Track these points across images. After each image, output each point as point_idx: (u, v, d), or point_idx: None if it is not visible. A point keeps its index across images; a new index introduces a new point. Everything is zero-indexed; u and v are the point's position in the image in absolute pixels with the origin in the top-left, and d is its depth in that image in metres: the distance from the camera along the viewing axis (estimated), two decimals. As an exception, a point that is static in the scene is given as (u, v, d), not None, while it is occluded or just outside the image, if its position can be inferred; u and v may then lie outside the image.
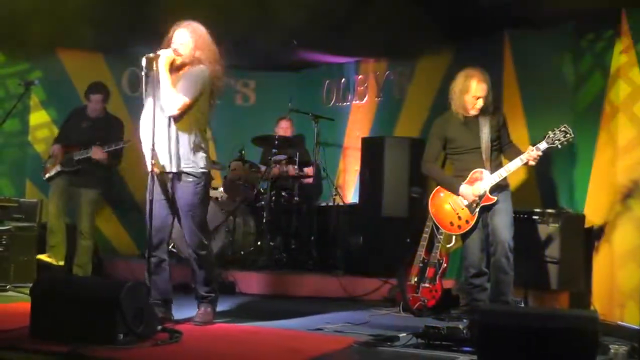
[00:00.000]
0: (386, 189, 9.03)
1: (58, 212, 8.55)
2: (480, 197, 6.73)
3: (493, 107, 6.91)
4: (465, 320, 6.72)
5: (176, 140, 6.17)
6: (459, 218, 6.83)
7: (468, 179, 6.80)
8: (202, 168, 6.25)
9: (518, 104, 8.53)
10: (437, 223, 7.04)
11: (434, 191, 7.07)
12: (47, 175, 8.61)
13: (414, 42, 9.46)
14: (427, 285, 7.61)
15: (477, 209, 6.77)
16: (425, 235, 7.65)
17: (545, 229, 7.45)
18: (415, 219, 8.47)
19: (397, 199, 8.99)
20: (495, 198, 6.72)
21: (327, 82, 11.41)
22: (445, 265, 7.68)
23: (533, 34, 8.47)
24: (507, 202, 6.83)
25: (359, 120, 10.89)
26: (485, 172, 6.75)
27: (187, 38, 6.23)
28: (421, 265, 7.67)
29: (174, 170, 6.19)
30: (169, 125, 6.17)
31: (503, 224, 6.73)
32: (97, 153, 8.37)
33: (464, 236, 6.90)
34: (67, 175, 8.53)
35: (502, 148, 6.95)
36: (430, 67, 9.91)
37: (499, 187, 6.78)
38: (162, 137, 6.15)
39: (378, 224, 9.03)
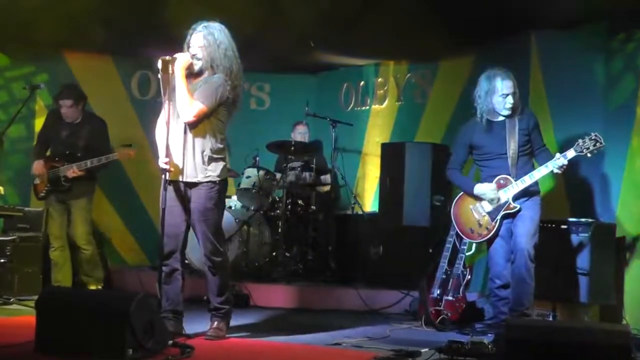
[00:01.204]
0: (407, 197, 9.03)
1: (61, 231, 8.54)
2: (502, 204, 6.73)
3: (521, 107, 6.90)
4: (490, 335, 6.69)
5: (192, 148, 6.16)
6: (480, 225, 6.84)
7: (492, 184, 6.82)
8: (218, 176, 6.25)
9: (545, 108, 8.50)
10: (458, 230, 7.05)
11: (457, 197, 7.07)
12: (40, 195, 8.53)
13: (436, 43, 9.45)
14: (450, 297, 7.58)
15: (499, 217, 6.76)
16: (449, 246, 7.62)
17: (574, 239, 7.42)
18: (437, 229, 8.45)
19: (418, 207, 8.99)
20: (518, 206, 6.71)
21: (345, 85, 11.41)
22: (469, 276, 7.64)
23: (561, 35, 8.44)
24: (533, 210, 6.81)
25: (378, 125, 10.88)
26: (510, 179, 6.74)
27: (205, 42, 6.18)
28: (444, 276, 7.64)
29: (189, 180, 6.19)
30: (185, 132, 6.17)
31: (523, 232, 6.73)
32: (71, 172, 8.31)
33: (488, 245, 6.89)
34: (55, 192, 8.50)
35: (534, 152, 6.93)
36: (453, 70, 9.90)
37: (527, 194, 6.77)
38: (177, 144, 6.15)
39: (399, 233, 9.03)
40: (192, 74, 6.23)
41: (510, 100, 6.80)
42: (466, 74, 9.43)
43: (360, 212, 9.94)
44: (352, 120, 10.63)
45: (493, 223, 6.79)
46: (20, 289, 8.26)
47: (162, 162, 6.10)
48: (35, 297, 5.83)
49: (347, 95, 11.37)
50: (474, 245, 7.18)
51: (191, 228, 6.36)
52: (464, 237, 7.12)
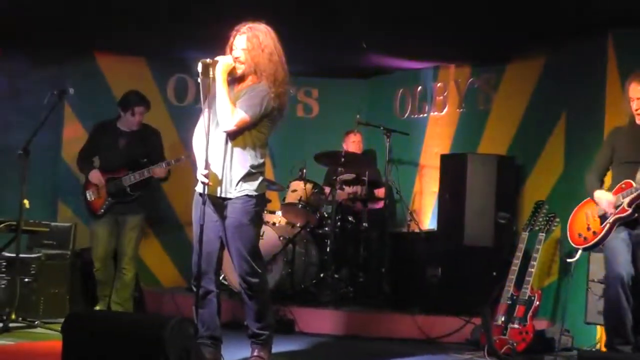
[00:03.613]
0: (469, 213, 8.99)
1: (106, 252, 8.65)
2: (616, 207, 6.72)
3: None
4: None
5: (230, 160, 6.16)
6: (588, 229, 6.85)
7: (614, 190, 6.81)
8: (257, 191, 6.24)
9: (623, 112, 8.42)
10: (569, 239, 7.07)
11: (580, 203, 7.10)
12: (100, 211, 8.62)
13: (502, 44, 9.41)
14: (516, 325, 7.54)
15: (610, 220, 6.73)
16: (515, 268, 7.60)
17: None
18: (502, 249, 8.42)
19: (481, 225, 8.95)
20: (629, 209, 6.67)
21: (400, 90, 11.38)
22: (537, 302, 7.60)
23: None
24: None
25: (437, 134, 10.85)
26: (633, 184, 6.72)
27: (249, 44, 6.18)
28: (509, 302, 7.60)
29: (225, 195, 6.19)
30: (226, 143, 6.19)
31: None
32: (159, 172, 8.47)
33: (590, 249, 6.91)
34: (116, 206, 8.61)
35: None
36: (521, 73, 9.83)
37: None
38: (216, 156, 6.17)
39: (459, 254, 8.99)
40: (234, 80, 6.25)
41: (635, 105, 6.83)
42: (535, 77, 9.39)
43: (416, 230, 9.91)
44: (408, 129, 10.62)
45: (602, 227, 6.77)
46: (46, 312, 8.34)
47: (201, 174, 6.11)
48: (62, 321, 5.87)
49: (403, 102, 11.34)
50: (579, 252, 7.15)
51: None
52: (573, 244, 7.11)
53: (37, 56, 10.29)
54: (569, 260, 7.48)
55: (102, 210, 8.58)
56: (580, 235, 6.99)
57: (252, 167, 6.20)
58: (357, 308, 9.21)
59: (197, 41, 8.34)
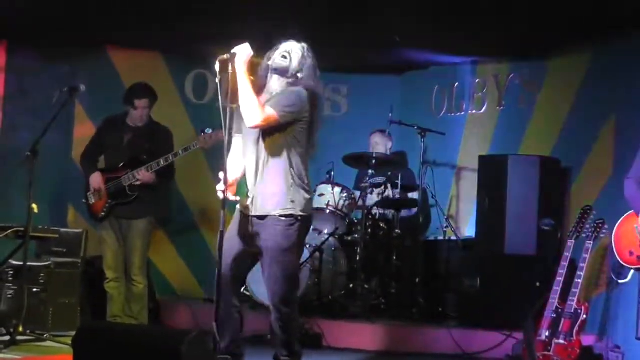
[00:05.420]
0: (510, 220, 8.97)
1: (116, 260, 8.65)
2: None
3: None
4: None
5: (265, 175, 6.12)
6: None
7: None
8: (300, 211, 6.14)
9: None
10: (617, 256, 7.03)
11: (624, 216, 7.06)
12: (101, 215, 8.64)
13: (545, 37, 9.38)
14: (561, 341, 7.50)
15: None
16: (560, 279, 7.56)
17: None
18: (546, 258, 8.39)
19: (523, 232, 8.93)
20: None
21: (436, 87, 11.38)
22: (584, 316, 7.56)
23: None
24: None
25: (475, 134, 10.84)
26: None
27: (295, 51, 6.23)
28: (554, 316, 7.57)
29: (263, 213, 6.10)
30: (257, 157, 6.12)
31: None
32: (144, 175, 8.43)
33: None
34: (117, 208, 8.61)
35: None
36: (566, 69, 9.80)
37: None
38: (250, 171, 6.15)
39: (499, 263, 8.98)
40: (261, 84, 6.24)
41: None
42: (582, 73, 9.37)
43: (453, 238, 9.89)
44: (444, 129, 10.59)
45: None
46: (56, 324, 8.36)
47: (219, 189, 6.00)
48: (73, 333, 5.89)
49: (439, 99, 11.34)
50: (631, 272, 7.09)
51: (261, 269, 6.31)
52: (623, 263, 7.06)
53: (45, 51, 10.34)
54: (620, 281, 7.42)
55: (103, 213, 8.58)
56: (631, 253, 6.91)
57: (297, 176, 6.13)
58: (389, 321, 9.20)
59: (216, 35, 8.34)
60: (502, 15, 8.73)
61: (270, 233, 6.10)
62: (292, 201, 6.09)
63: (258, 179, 6.11)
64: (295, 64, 6.21)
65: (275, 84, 6.22)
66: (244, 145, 6.21)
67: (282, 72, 6.22)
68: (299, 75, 6.22)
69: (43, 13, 9.19)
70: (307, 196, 6.19)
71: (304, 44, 6.28)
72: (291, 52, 6.22)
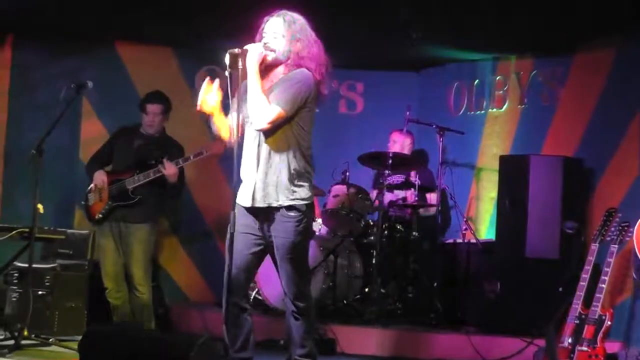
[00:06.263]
0: (531, 222, 8.95)
1: (115, 268, 8.63)
2: None
3: None
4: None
5: (267, 163, 6.11)
6: None
7: None
8: (305, 200, 6.13)
9: None
10: (639, 254, 7.01)
11: None
12: (97, 216, 8.62)
13: (569, 32, 9.35)
14: (584, 348, 7.47)
15: None
16: (583, 284, 7.53)
17: None
18: (569, 262, 8.37)
19: (545, 235, 8.91)
20: None
21: (455, 84, 11.37)
22: (609, 322, 7.52)
23: None
24: None
25: (496, 133, 10.82)
26: None
27: (281, 29, 6.12)
28: (577, 322, 7.53)
29: (266, 204, 6.10)
30: (259, 145, 6.14)
31: None
32: (169, 168, 8.39)
33: None
34: (117, 211, 8.60)
35: None
36: (590, 65, 9.77)
37: None
38: (250, 159, 6.14)
39: (521, 267, 8.95)
40: (265, 69, 6.15)
41: None
42: (607, 68, 9.33)
43: (473, 240, 9.88)
44: (464, 128, 10.58)
45: None
46: (62, 328, 8.38)
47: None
48: (79, 338, 5.89)
49: (458, 97, 11.33)
50: None
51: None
52: None
53: (52, 47, 10.35)
54: None
55: (100, 216, 8.55)
56: None
57: (297, 169, 6.10)
58: (406, 326, 9.20)
59: (228, 29, 8.33)
60: (523, 10, 8.71)
61: (280, 230, 6.11)
62: (300, 192, 6.09)
63: (260, 168, 6.09)
64: (284, 46, 6.13)
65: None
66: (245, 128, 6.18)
67: (278, 62, 6.18)
68: (296, 51, 6.13)
69: (49, 7, 9.20)
70: (310, 183, 6.19)
71: (282, 14, 6.16)
72: (276, 35, 6.12)
